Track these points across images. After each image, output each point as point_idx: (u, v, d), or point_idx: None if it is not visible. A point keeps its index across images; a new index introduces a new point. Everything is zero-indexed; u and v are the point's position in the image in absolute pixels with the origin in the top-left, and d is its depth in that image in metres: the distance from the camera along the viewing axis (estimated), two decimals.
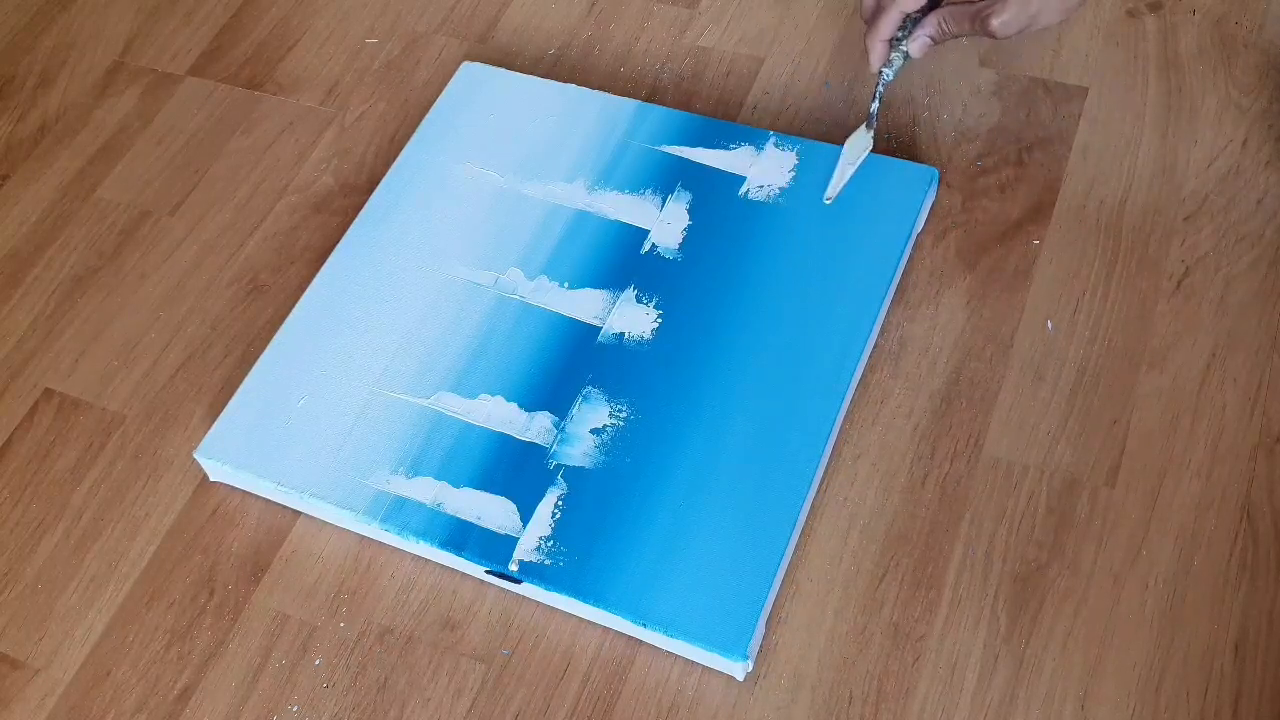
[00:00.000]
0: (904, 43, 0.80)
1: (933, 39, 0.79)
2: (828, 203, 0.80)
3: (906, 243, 0.79)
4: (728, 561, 0.68)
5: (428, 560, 0.72)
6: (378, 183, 0.86)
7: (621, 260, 0.80)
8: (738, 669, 0.66)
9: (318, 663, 0.70)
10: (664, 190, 0.83)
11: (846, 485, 0.72)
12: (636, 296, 0.78)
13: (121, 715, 0.69)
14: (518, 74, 0.91)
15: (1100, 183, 0.82)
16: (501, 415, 0.75)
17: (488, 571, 0.70)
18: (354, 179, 0.90)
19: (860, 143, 0.82)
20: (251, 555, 0.74)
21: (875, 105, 0.82)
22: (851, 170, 0.81)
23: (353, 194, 0.89)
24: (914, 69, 0.89)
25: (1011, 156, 0.84)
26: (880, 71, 0.81)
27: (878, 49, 0.80)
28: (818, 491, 0.72)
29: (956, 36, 0.78)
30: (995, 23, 0.74)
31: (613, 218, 0.82)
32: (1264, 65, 0.86)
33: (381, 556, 0.73)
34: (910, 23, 0.79)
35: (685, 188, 0.83)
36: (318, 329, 0.79)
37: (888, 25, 0.79)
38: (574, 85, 0.89)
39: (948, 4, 0.78)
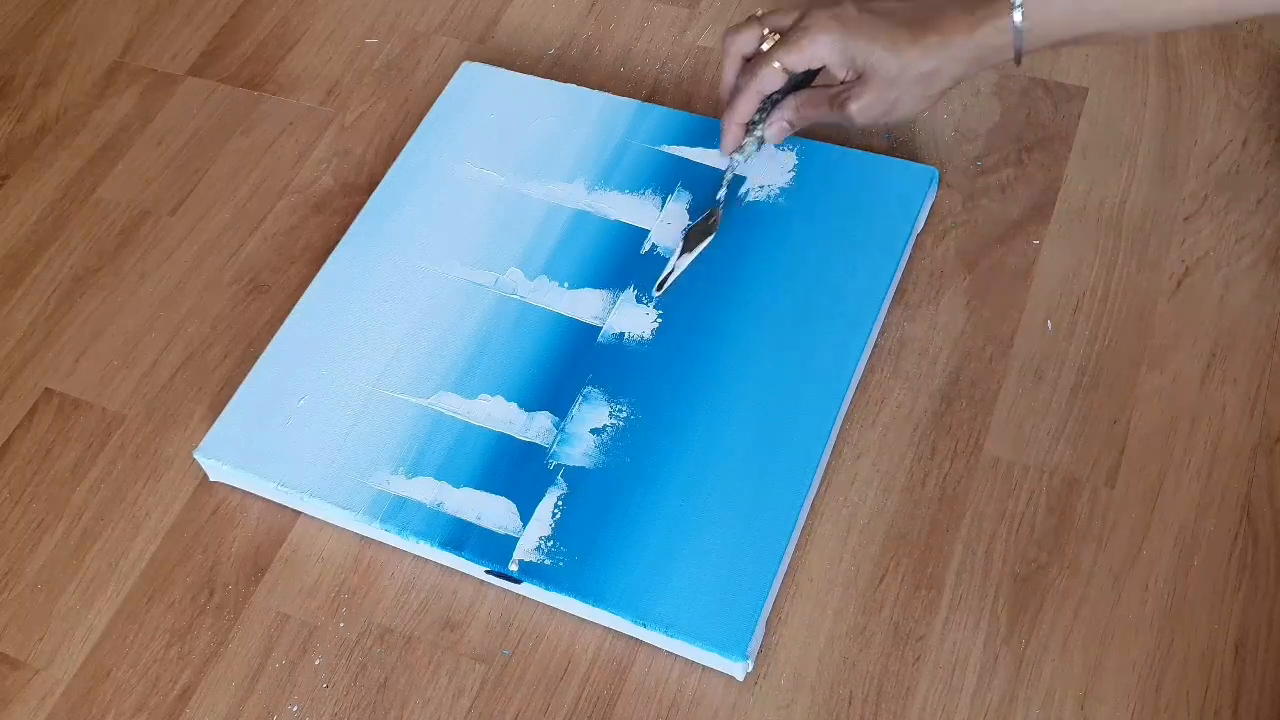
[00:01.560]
0: (759, 127, 0.76)
1: (790, 123, 0.76)
2: (657, 294, 0.77)
3: (906, 243, 0.79)
4: (728, 561, 0.68)
5: (428, 560, 0.72)
6: (378, 183, 0.86)
7: (621, 260, 0.80)
8: (738, 669, 0.66)
9: (318, 663, 0.70)
10: (664, 190, 0.83)
11: (846, 485, 0.72)
12: (636, 296, 0.78)
13: (121, 715, 0.69)
14: (518, 74, 0.91)
15: (1100, 183, 0.82)
16: (501, 415, 0.75)
17: (488, 571, 0.70)
18: (354, 179, 0.90)
19: (699, 233, 0.78)
20: (251, 555, 0.74)
21: (723, 192, 0.79)
22: (688, 262, 0.78)
23: (353, 194, 0.89)
24: None
25: (1011, 156, 0.84)
26: (732, 157, 0.78)
27: (732, 132, 0.76)
28: (818, 491, 0.72)
29: (815, 121, 0.75)
30: (854, 107, 0.71)
31: (613, 218, 0.82)
32: (1264, 65, 0.86)
33: (381, 556, 0.73)
34: (768, 104, 0.76)
35: (685, 188, 0.83)
36: (318, 329, 0.79)
37: (746, 107, 0.75)
38: (574, 85, 0.89)
39: (807, 87, 0.76)
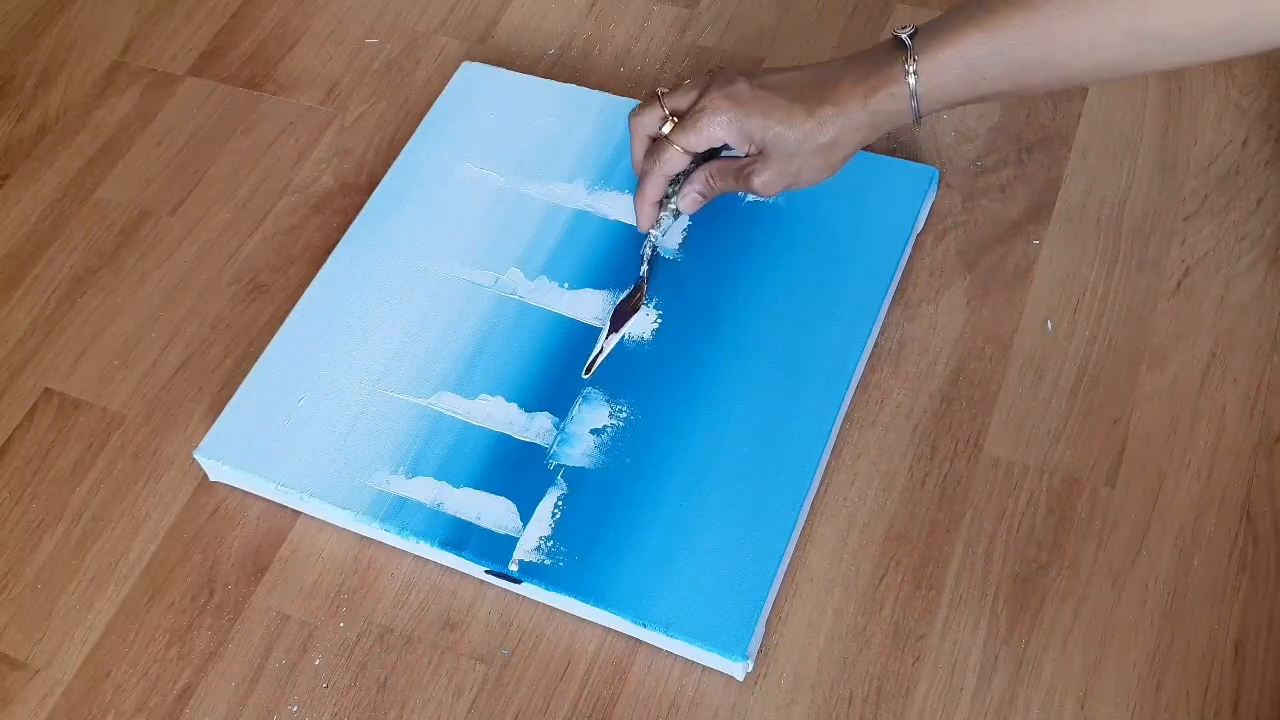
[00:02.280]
0: (673, 200, 0.77)
1: (702, 194, 0.77)
2: (586, 377, 0.75)
3: (906, 243, 0.79)
4: (728, 561, 0.68)
5: (428, 560, 0.72)
6: (378, 183, 0.86)
7: (621, 260, 0.80)
8: (738, 669, 0.66)
9: (318, 663, 0.70)
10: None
11: (846, 485, 0.72)
12: None
13: (121, 715, 0.69)
14: (518, 74, 0.91)
15: (1100, 183, 0.83)
16: (501, 415, 0.75)
17: (488, 571, 0.70)
18: (354, 179, 0.90)
19: (626, 311, 0.77)
20: (251, 555, 0.74)
21: (645, 268, 0.78)
22: (615, 341, 0.76)
23: (353, 194, 0.89)
24: None
25: (1011, 156, 0.84)
26: (649, 233, 0.79)
27: (646, 211, 0.77)
28: (818, 491, 0.72)
29: (726, 191, 0.76)
30: (757, 181, 0.72)
31: (613, 218, 0.82)
32: (1264, 65, 0.86)
33: (381, 556, 0.73)
34: (680, 177, 0.77)
35: None
36: (318, 329, 0.79)
37: (654, 188, 0.76)
38: (574, 85, 0.89)
39: (715, 160, 0.76)
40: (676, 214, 0.78)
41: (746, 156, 0.73)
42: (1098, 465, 0.72)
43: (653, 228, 0.79)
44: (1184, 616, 0.66)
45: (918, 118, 0.68)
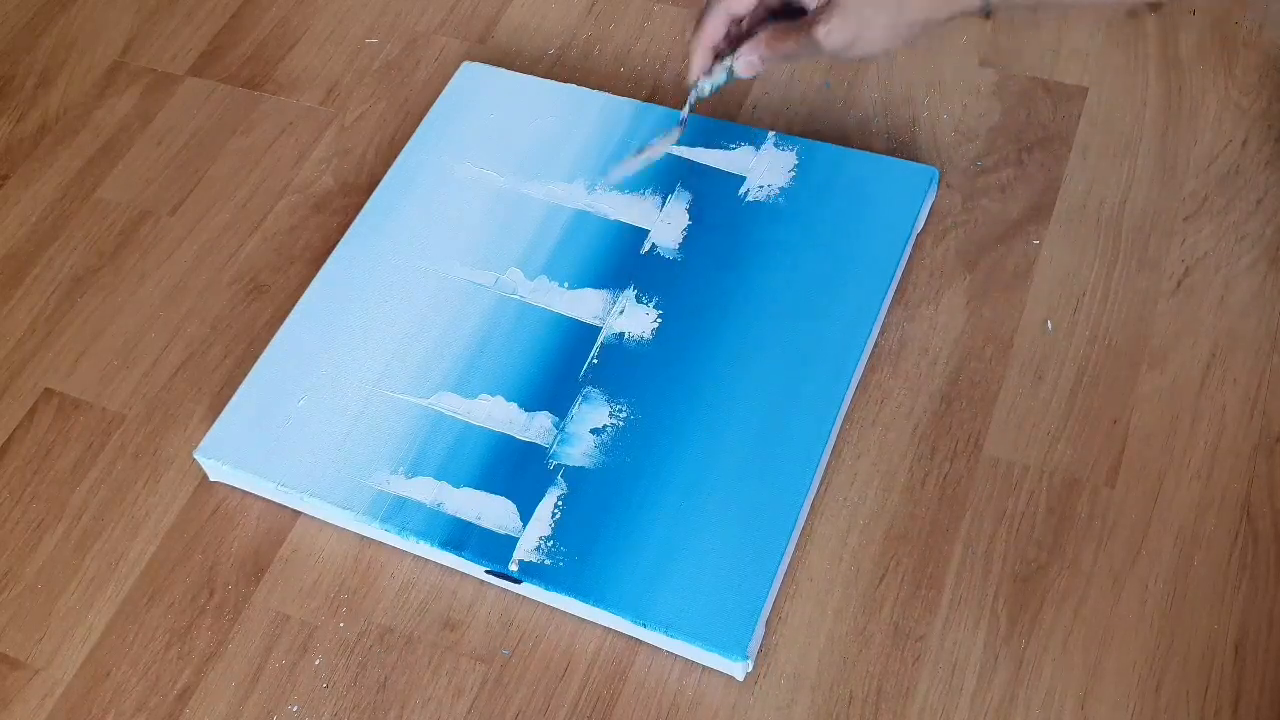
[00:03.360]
0: (729, 58, 0.73)
1: (761, 58, 0.73)
2: (613, 179, 0.80)
3: (906, 243, 0.79)
4: (728, 561, 0.68)
5: (428, 560, 0.72)
6: (378, 183, 0.86)
7: (621, 260, 0.80)
8: (738, 669, 0.66)
9: (318, 663, 0.70)
10: (664, 190, 0.83)
11: (846, 485, 0.72)
12: (636, 296, 0.78)
13: (121, 715, 0.69)
14: (518, 74, 0.91)
15: (1100, 183, 0.83)
16: (501, 415, 0.75)
17: (488, 571, 0.70)
18: (354, 179, 0.90)
19: (666, 140, 0.80)
20: (251, 555, 0.74)
21: (686, 112, 0.75)
22: (646, 157, 0.81)
23: (353, 194, 0.89)
24: (914, 68, 0.89)
25: (1011, 156, 0.84)
26: (697, 83, 0.73)
27: (699, 56, 0.72)
28: (818, 491, 0.72)
29: (786, 56, 0.72)
30: (821, 29, 0.69)
31: (613, 218, 0.82)
32: (1264, 65, 0.86)
33: (381, 556, 0.73)
34: (738, 34, 0.73)
35: (685, 188, 0.83)
36: (318, 329, 0.79)
37: (713, 29, 0.72)
38: (574, 85, 0.89)
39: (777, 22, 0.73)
40: (730, 73, 0.73)
41: (810, 13, 0.70)
42: (1098, 465, 0.72)
43: (704, 76, 0.74)
44: (1184, 616, 0.66)
45: (988, 5, 0.66)
